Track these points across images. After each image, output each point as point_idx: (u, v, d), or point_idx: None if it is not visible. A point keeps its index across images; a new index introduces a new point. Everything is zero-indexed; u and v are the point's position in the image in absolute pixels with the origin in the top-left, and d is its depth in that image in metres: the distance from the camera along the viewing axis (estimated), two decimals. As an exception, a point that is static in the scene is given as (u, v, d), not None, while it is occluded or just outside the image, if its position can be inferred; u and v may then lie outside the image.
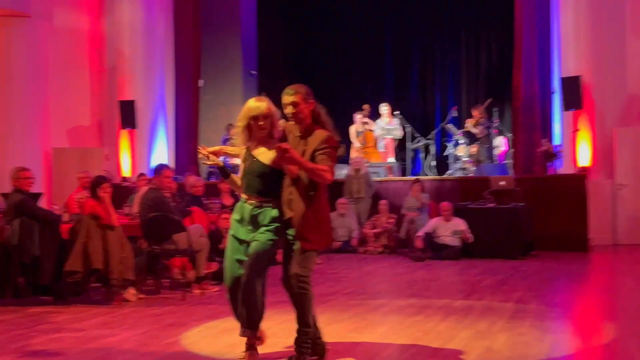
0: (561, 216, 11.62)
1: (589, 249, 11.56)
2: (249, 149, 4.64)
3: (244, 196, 4.63)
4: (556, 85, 12.87)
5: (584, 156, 12.32)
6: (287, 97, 4.54)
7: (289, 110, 4.55)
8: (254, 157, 4.59)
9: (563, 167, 12.57)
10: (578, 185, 11.77)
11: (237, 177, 4.74)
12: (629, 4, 12.66)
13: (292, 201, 4.47)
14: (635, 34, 12.60)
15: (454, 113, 15.29)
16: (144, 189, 8.56)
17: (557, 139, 12.96)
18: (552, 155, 12.30)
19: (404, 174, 14.45)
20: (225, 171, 4.75)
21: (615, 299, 7.38)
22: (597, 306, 7.16)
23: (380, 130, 14.95)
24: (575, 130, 12.24)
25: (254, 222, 4.54)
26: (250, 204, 4.56)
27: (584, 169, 12.20)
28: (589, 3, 12.43)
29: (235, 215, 4.66)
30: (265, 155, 4.57)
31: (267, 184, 4.54)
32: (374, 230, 11.90)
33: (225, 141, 14.59)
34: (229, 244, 4.63)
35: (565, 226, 11.58)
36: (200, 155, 4.67)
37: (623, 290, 8.03)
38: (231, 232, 4.66)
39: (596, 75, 12.32)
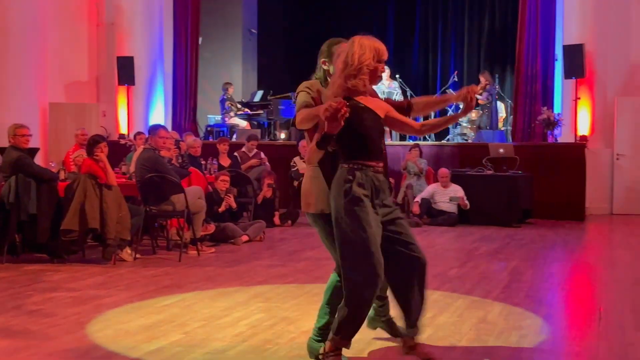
0: (559, 185, 11.63)
1: (586, 218, 11.61)
2: (353, 101, 3.49)
3: (371, 163, 3.58)
4: (558, 52, 12.76)
5: (584, 125, 12.28)
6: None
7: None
8: (373, 111, 3.58)
9: (562, 136, 12.53)
10: (577, 154, 11.77)
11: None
12: (635, -28, 12.51)
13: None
14: (641, 2, 12.47)
15: (455, 78, 15.19)
16: (141, 148, 8.52)
17: (557, 107, 12.90)
18: (552, 123, 12.24)
19: (402, 139, 14.39)
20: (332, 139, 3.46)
21: (610, 270, 7.40)
22: (592, 276, 7.19)
23: (379, 93, 14.84)
24: (576, 98, 12.18)
25: (384, 195, 3.69)
26: (380, 173, 3.63)
27: (583, 138, 12.17)
28: (594, -30, 12.27)
29: (364, 191, 3.56)
30: (381, 109, 3.64)
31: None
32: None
33: (224, 101, 14.49)
34: (375, 227, 3.59)
35: (563, 195, 11.61)
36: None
37: (618, 260, 8.05)
38: (368, 212, 3.57)
39: (599, 43, 12.22)
